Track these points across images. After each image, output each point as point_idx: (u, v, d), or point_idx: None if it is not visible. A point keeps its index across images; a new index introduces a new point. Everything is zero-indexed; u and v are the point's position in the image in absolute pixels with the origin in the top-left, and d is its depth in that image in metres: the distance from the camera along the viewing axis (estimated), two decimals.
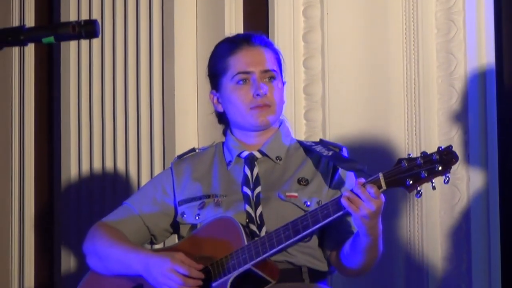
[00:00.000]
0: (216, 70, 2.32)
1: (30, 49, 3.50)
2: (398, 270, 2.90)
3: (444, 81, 2.89)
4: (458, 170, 2.84)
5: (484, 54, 2.86)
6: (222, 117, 2.37)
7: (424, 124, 2.90)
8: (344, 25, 3.01)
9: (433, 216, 2.88)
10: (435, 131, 2.89)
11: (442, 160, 1.97)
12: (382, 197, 2.00)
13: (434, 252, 2.88)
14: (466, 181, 2.86)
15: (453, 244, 2.87)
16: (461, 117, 2.87)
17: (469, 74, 2.86)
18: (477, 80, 2.86)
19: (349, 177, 2.23)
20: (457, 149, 2.83)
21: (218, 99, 2.33)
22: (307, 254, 2.20)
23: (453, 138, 2.87)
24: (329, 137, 2.93)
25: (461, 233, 2.86)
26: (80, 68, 3.34)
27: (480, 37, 2.86)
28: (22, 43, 1.59)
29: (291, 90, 2.98)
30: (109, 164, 3.28)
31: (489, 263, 2.83)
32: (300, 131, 3.01)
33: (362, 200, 1.98)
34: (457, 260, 2.86)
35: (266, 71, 2.26)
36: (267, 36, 2.66)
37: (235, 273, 2.11)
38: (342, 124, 3.01)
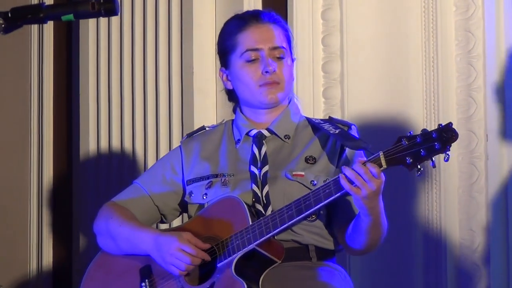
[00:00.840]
0: (225, 47, 2.31)
1: (48, 25, 3.51)
2: (416, 247, 2.92)
3: (462, 59, 2.89)
4: (477, 148, 2.85)
5: (503, 32, 2.86)
6: (232, 95, 2.36)
7: (442, 102, 2.90)
8: (363, 3, 3.01)
9: (451, 195, 2.89)
10: (453, 109, 2.89)
11: (442, 138, 1.95)
12: (382, 176, 1.99)
13: (452, 230, 2.89)
14: (485, 160, 2.86)
15: (471, 222, 2.87)
16: (480, 95, 2.86)
17: (487, 52, 2.85)
18: (496, 58, 2.85)
19: (356, 156, 2.20)
20: (476, 127, 2.84)
21: (227, 76, 2.32)
22: (314, 233, 2.19)
23: (472, 117, 2.87)
24: (347, 115, 2.94)
25: (479, 212, 2.86)
26: (99, 46, 3.36)
27: (499, 14, 2.85)
28: (42, 21, 1.60)
29: (309, 68, 2.99)
30: (127, 145, 3.30)
31: (507, 240, 2.84)
32: (318, 109, 3.02)
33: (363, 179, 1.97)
34: (475, 237, 2.87)
35: (275, 48, 2.24)
36: (286, 14, 2.65)
37: (239, 254, 2.12)
38: (360, 102, 3.02)
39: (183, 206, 2.35)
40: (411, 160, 1.97)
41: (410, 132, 2.02)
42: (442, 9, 2.88)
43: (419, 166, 1.98)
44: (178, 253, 2.12)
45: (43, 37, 3.53)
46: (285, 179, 2.20)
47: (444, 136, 1.96)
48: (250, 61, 2.23)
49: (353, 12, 3.00)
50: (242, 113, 2.32)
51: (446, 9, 2.88)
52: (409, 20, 2.95)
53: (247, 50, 2.23)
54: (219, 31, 2.39)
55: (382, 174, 1.99)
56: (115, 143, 3.31)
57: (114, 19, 3.28)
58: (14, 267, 3.51)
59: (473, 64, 2.86)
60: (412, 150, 1.97)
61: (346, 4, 3.00)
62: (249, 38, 2.24)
